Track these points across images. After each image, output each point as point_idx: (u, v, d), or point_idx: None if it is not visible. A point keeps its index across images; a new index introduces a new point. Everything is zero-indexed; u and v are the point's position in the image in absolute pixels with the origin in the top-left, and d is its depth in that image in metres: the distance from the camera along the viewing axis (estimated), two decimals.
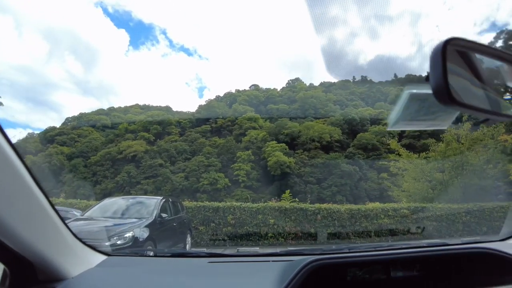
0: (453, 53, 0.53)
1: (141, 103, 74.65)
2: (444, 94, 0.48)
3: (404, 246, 1.36)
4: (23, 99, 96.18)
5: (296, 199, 10.22)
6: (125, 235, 4.78)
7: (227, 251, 4.63)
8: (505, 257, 1.05)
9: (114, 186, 47.19)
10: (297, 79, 79.39)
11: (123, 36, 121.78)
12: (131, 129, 58.40)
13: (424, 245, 1.38)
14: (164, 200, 6.46)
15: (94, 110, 69.96)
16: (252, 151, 54.36)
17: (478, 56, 0.61)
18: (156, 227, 5.61)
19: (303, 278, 0.93)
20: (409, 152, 12.32)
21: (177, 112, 69.03)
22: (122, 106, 73.07)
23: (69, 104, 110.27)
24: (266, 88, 75.33)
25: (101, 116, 64.44)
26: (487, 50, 0.60)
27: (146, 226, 5.29)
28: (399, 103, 0.76)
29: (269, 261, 1.32)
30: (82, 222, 5.39)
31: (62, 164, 52.16)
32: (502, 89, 0.67)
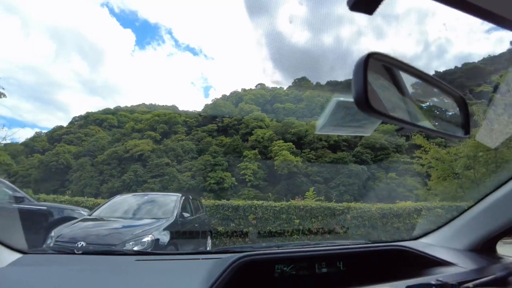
0: (374, 66, 0.57)
1: (147, 103, 74.72)
2: (363, 102, 0.52)
3: (329, 245, 1.39)
4: (31, 99, 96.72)
5: (321, 198, 9.49)
6: (143, 240, 3.92)
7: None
8: (415, 253, 1.21)
9: (121, 185, 46.85)
10: (303, 78, 78.62)
11: (129, 36, 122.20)
12: (138, 128, 58.14)
13: (348, 243, 1.43)
14: (184, 197, 5.74)
15: (100, 109, 69.79)
16: (259, 150, 53.93)
17: (396, 71, 0.67)
18: (177, 229, 4.82)
19: (231, 275, 0.95)
20: (437, 147, 11.50)
21: (183, 111, 68.57)
22: (129, 105, 72.91)
23: (75, 104, 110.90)
24: (272, 87, 74.70)
25: (108, 116, 64.22)
26: (404, 66, 0.66)
27: (166, 228, 4.48)
28: (327, 109, 0.81)
29: (198, 259, 1.31)
30: (90, 223, 4.63)
31: (69, 163, 52.06)
32: (415, 102, 0.72)
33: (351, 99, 0.69)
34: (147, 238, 3.98)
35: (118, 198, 5.87)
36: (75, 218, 6.80)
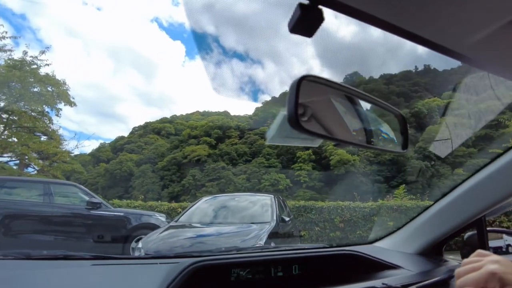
0: (307, 87, 0.61)
1: (201, 110, 77.15)
2: (294, 121, 0.57)
3: (286, 248, 1.40)
4: (94, 113, 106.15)
5: (413, 196, 8.31)
6: None
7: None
8: (365, 258, 1.25)
9: (181, 189, 48.68)
10: (355, 73, 75.23)
11: (179, 47, 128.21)
12: (194, 135, 60.16)
13: (305, 247, 1.43)
14: (276, 198, 5.12)
15: (158, 119, 73.66)
16: (313, 150, 52.45)
17: (330, 91, 0.70)
18: (277, 235, 4.21)
19: (184, 280, 0.95)
20: None
21: (235, 116, 69.68)
22: (184, 113, 75.90)
23: (134, 115, 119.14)
24: None
25: (165, 124, 67.52)
26: (335, 85, 0.69)
27: (269, 234, 3.86)
28: (275, 121, 0.86)
29: (156, 263, 1.24)
30: (180, 231, 4.20)
31: (131, 170, 55.43)
32: (351, 121, 0.75)
33: None
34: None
35: (204, 201, 5.40)
36: (153, 223, 6.59)
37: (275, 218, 4.39)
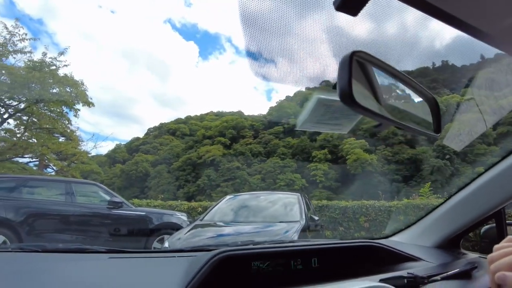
0: (356, 63, 0.61)
1: (215, 110, 77.39)
2: (348, 96, 0.56)
3: (304, 242, 1.48)
4: (109, 115, 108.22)
5: (439, 195, 7.96)
6: None
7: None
8: (386, 250, 1.24)
9: (196, 190, 49.01)
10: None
11: (192, 48, 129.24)
12: (208, 135, 60.54)
13: (322, 241, 1.40)
14: (304, 197, 4.93)
15: (172, 119, 74.40)
16: (329, 150, 51.84)
17: (375, 69, 0.69)
18: (307, 234, 4.00)
19: (208, 272, 0.94)
20: None
21: (249, 115, 69.64)
22: (198, 114, 76.22)
23: (149, 116, 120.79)
24: None
25: (180, 125, 68.18)
26: (382, 65, 0.69)
27: (299, 234, 3.66)
28: (308, 106, 0.85)
29: (174, 257, 1.27)
30: (206, 229, 4.08)
31: (147, 170, 56.22)
32: (391, 100, 0.75)
33: (331, 97, 0.79)
34: None
35: (228, 200, 5.24)
36: (175, 223, 6.53)
37: (304, 216, 4.21)
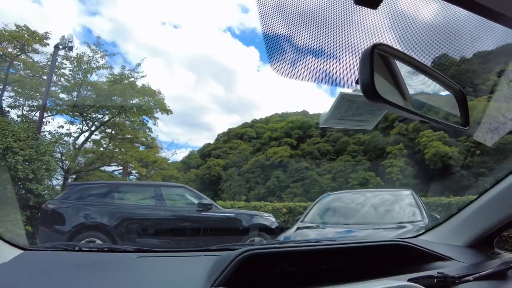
0: (378, 56, 0.60)
1: (279, 112, 77.56)
2: (370, 91, 0.54)
3: (329, 242, 1.40)
4: (181, 124, 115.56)
5: None
6: None
7: None
8: (415, 249, 1.21)
9: (266, 191, 49.47)
10: (444, 55, 66.34)
11: (253, 52, 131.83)
12: (275, 137, 60.94)
13: (347, 241, 1.41)
14: (415, 193, 4.21)
15: (239, 124, 76.35)
16: (404, 144, 47.79)
17: (399, 62, 0.69)
18: None
19: (235, 269, 0.94)
20: None
21: (314, 114, 68.22)
22: (263, 117, 77.03)
23: (217, 123, 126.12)
24: None
25: (247, 129, 69.87)
26: (406, 57, 0.68)
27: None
28: (333, 103, 0.84)
29: (200, 256, 1.29)
30: (313, 231, 3.76)
31: (219, 174, 58.61)
32: (416, 93, 0.74)
33: (355, 93, 0.77)
34: None
35: (328, 199, 4.83)
36: (264, 224, 6.31)
37: (425, 215, 3.65)
